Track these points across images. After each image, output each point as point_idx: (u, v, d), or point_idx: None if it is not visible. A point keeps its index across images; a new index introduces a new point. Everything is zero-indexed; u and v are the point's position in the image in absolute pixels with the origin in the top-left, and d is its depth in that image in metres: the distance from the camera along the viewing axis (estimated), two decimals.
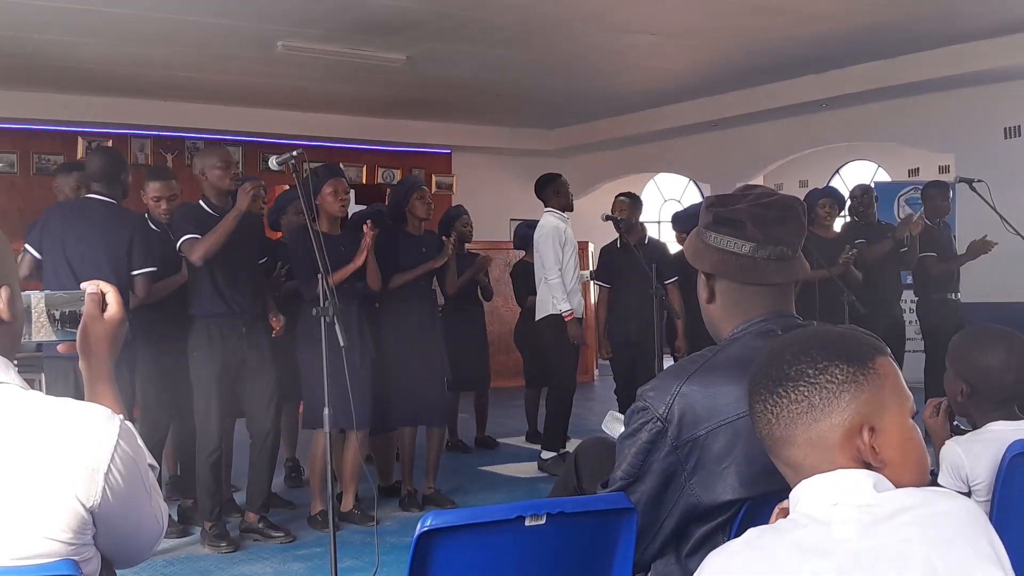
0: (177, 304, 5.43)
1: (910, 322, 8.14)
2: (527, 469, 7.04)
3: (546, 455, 6.95)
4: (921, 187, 8.47)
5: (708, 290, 2.17)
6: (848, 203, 7.87)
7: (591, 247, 11.89)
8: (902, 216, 9.93)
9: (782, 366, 1.53)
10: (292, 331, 5.56)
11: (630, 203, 7.31)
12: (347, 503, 5.71)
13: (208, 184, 5.30)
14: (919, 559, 1.31)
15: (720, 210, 2.13)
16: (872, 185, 8.63)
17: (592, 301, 12.40)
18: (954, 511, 1.37)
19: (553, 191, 7.00)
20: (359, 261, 5.46)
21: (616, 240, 7.15)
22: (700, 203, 8.21)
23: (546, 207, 7.01)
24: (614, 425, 2.69)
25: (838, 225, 7.83)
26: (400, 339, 5.94)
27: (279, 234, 6.58)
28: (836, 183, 14.22)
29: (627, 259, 6.89)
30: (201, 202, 5.34)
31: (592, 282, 7.39)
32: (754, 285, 2.10)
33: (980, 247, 7.58)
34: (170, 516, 5.26)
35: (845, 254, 7.09)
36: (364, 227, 5.53)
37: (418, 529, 1.80)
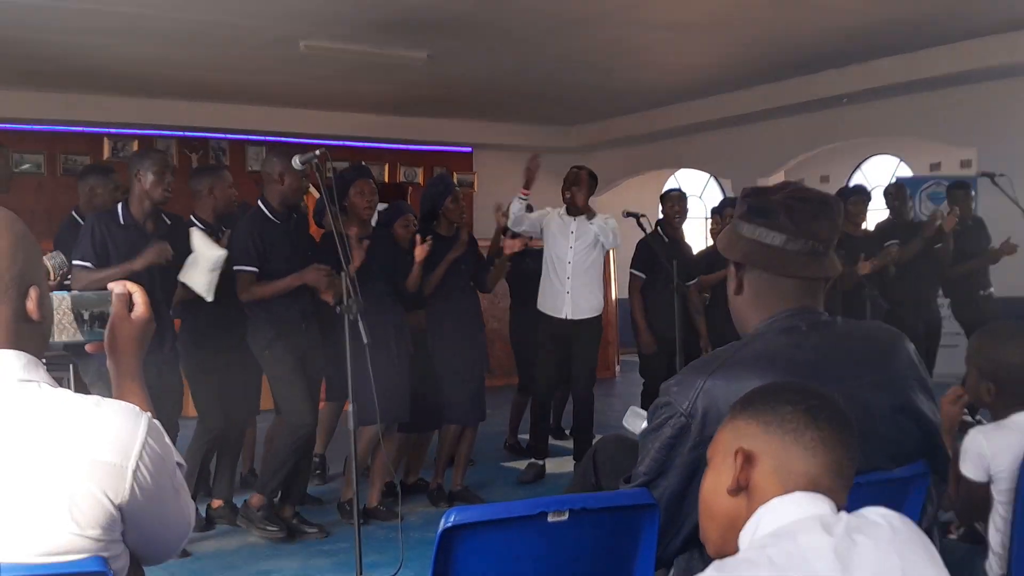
0: (227, 307, 5.45)
1: (945, 318, 8.09)
2: (551, 466, 7.01)
3: (536, 462, 6.76)
4: (945, 183, 8.43)
5: (737, 281, 2.17)
6: (884, 201, 7.86)
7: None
8: (924, 210, 9.89)
9: None
10: (332, 331, 5.57)
11: (680, 198, 7.27)
12: (372, 499, 5.74)
13: (278, 188, 5.27)
14: (884, 565, 1.38)
15: (755, 200, 2.14)
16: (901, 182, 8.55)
17: (613, 295, 12.43)
18: (894, 520, 1.47)
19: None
20: (416, 271, 5.64)
21: (654, 232, 6.92)
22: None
23: None
24: (635, 421, 2.69)
25: (868, 222, 7.80)
26: (447, 339, 5.99)
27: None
28: (858, 178, 14.17)
29: (669, 252, 6.72)
30: (262, 206, 5.32)
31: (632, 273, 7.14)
32: (783, 277, 2.10)
33: (1003, 250, 7.54)
34: (198, 512, 5.33)
35: (885, 250, 7.07)
36: (418, 248, 5.65)
37: (442, 525, 1.81)
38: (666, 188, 7.34)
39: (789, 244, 2.08)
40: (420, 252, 5.66)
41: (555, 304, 6.60)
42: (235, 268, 5.18)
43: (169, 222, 5.17)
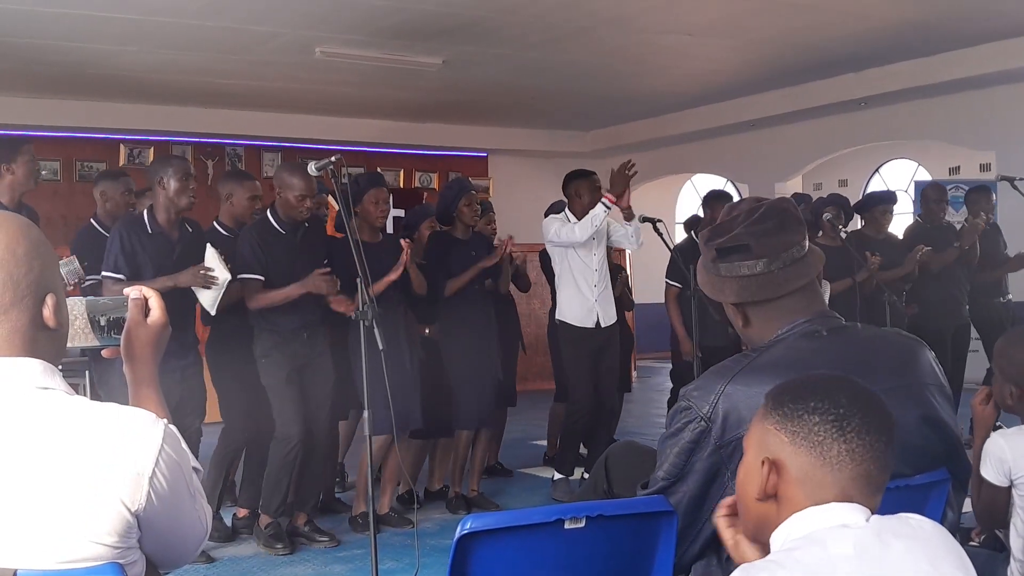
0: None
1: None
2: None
3: (556, 476, 6.36)
4: (964, 187, 8.38)
5: (741, 316, 2.16)
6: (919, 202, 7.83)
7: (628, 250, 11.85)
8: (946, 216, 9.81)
9: None
10: (345, 339, 5.51)
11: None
12: (383, 505, 5.72)
13: (282, 202, 5.25)
14: (914, 572, 1.39)
15: (720, 241, 2.13)
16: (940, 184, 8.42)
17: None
18: (927, 526, 1.47)
19: (575, 191, 6.29)
20: (394, 276, 5.42)
21: (687, 239, 6.89)
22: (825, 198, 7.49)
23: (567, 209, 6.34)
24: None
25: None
26: (461, 343, 5.96)
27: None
28: (876, 182, 14.12)
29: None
30: (269, 215, 5.31)
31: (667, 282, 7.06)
32: (783, 297, 2.09)
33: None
34: (222, 520, 5.32)
35: (920, 252, 7.00)
36: (402, 242, 5.55)
37: (458, 532, 1.81)
38: (710, 191, 7.21)
39: (773, 265, 2.08)
40: (406, 260, 5.49)
41: (584, 314, 6.23)
42: (240, 277, 5.15)
43: (191, 229, 5.18)
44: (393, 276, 5.43)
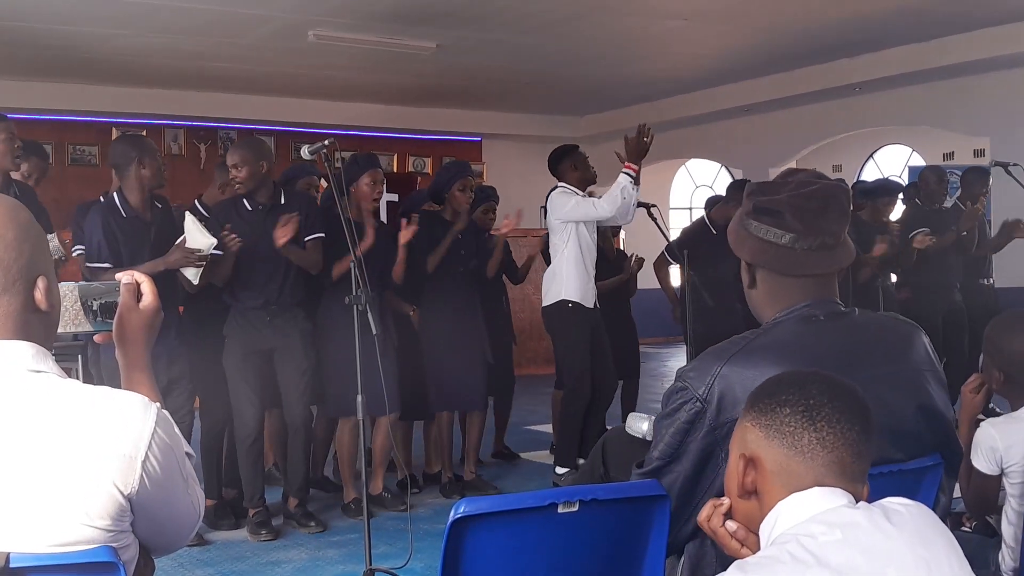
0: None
1: None
2: None
3: (560, 471, 6.05)
4: (957, 172, 8.36)
5: (750, 276, 2.15)
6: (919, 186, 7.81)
7: (623, 234, 11.84)
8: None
9: None
10: (314, 320, 5.46)
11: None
12: (376, 487, 5.70)
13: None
14: (908, 554, 1.39)
15: (761, 199, 2.10)
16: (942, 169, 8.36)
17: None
18: (915, 510, 1.47)
19: (570, 165, 6.16)
20: (399, 268, 5.47)
21: (701, 222, 6.87)
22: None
23: (560, 183, 6.13)
24: (637, 424, 2.64)
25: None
26: (440, 324, 5.90)
27: None
28: (870, 167, 14.13)
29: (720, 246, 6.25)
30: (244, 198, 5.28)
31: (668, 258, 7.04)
32: (795, 276, 2.08)
33: (1012, 228, 7.48)
34: (226, 508, 5.29)
35: (922, 241, 6.99)
36: (403, 221, 5.50)
37: (451, 516, 1.81)
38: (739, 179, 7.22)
39: (798, 243, 2.05)
40: (405, 235, 5.46)
41: (586, 294, 6.02)
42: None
43: (160, 206, 5.11)
44: (398, 268, 5.51)
